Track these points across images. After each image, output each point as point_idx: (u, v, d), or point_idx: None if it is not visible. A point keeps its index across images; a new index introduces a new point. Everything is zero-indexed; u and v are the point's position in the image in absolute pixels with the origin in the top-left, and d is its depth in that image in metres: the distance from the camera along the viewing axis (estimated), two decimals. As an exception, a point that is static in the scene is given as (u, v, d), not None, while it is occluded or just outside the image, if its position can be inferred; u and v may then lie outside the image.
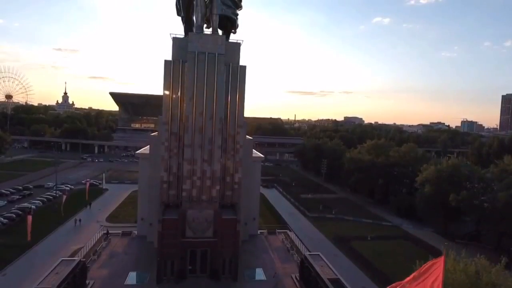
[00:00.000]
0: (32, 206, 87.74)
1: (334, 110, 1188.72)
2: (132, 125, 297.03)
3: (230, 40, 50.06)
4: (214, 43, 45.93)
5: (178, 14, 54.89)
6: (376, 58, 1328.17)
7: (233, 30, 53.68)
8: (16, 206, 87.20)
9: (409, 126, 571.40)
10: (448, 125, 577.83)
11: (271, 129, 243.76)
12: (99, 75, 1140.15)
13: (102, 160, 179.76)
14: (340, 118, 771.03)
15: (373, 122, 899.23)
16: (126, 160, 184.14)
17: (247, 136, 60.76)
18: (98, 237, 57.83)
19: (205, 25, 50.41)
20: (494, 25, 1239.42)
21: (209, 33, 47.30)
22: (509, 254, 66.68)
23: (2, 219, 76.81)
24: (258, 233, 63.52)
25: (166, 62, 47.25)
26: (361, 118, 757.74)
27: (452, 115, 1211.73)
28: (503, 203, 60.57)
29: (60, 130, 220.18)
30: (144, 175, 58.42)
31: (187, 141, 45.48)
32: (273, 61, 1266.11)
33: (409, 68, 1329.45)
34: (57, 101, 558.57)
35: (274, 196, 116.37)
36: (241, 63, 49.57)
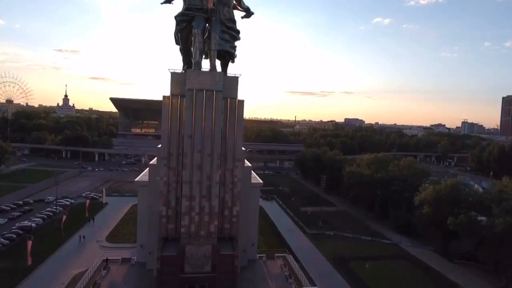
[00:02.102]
0: (33, 224, 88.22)
1: (335, 110, 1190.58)
2: (132, 130, 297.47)
3: (228, 74, 50.42)
4: (212, 80, 46.25)
5: (177, 43, 55.26)
6: (377, 58, 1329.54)
7: (231, 60, 54.06)
8: (16, 224, 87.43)
9: (410, 128, 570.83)
10: (449, 129, 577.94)
11: (271, 135, 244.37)
12: (100, 75, 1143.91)
13: (102, 169, 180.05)
14: (340, 119, 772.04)
15: (373, 123, 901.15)
16: (126, 169, 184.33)
17: (246, 162, 61.26)
18: (98, 265, 58.36)
19: (203, 56, 50.87)
20: (494, 26, 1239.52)
21: (207, 70, 47.62)
22: (507, 277, 67.11)
23: (2, 240, 77.11)
24: (257, 257, 63.96)
25: (164, 97, 47.64)
26: (362, 120, 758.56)
27: (452, 115, 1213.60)
28: (501, 230, 60.87)
29: (61, 137, 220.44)
30: (143, 202, 58.80)
31: (186, 178, 45.85)
32: (274, 61, 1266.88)
33: (409, 68, 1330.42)
34: (58, 103, 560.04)
35: (273, 209, 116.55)
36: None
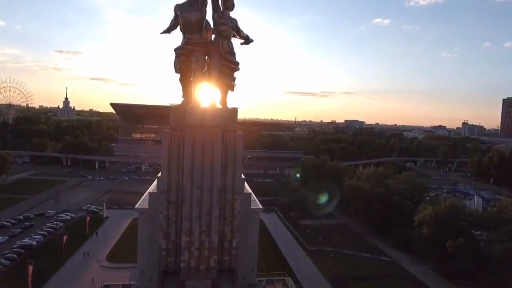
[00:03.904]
0: (33, 242, 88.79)
1: (335, 111, 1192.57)
2: (132, 134, 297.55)
3: (227, 106, 50.56)
4: (211, 116, 46.37)
5: (176, 72, 55.43)
6: (377, 59, 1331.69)
7: (230, 90, 54.23)
8: (17, 242, 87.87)
9: (410, 130, 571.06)
10: (449, 131, 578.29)
11: (272, 142, 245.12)
12: (101, 76, 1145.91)
13: (102, 178, 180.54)
14: (341, 119, 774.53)
15: (374, 124, 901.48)
16: (126, 178, 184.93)
17: (246, 187, 61.44)
18: (98, 292, 58.74)
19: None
20: (494, 26, 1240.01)
21: (206, 105, 47.87)
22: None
23: (3, 260, 77.52)
24: (257, 281, 64.19)
25: (164, 132, 47.88)
26: (363, 121, 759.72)
27: (453, 115, 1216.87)
28: (499, 256, 61.12)
29: (61, 144, 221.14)
30: (144, 229, 59.05)
31: (185, 213, 46.01)
32: (274, 62, 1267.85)
33: (409, 69, 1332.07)
34: (58, 106, 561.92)
35: (273, 223, 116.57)
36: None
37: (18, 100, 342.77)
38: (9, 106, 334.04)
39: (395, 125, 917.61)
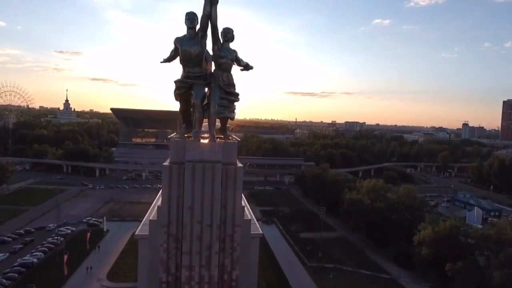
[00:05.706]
0: (34, 260, 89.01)
1: (336, 111, 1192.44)
2: (133, 139, 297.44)
3: (227, 139, 50.75)
4: (212, 151, 46.42)
5: (176, 100, 55.58)
6: (376, 59, 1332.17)
7: (230, 119, 54.38)
8: (18, 260, 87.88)
9: (410, 133, 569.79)
10: (449, 134, 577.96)
11: (272, 148, 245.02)
12: (101, 77, 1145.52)
13: (103, 186, 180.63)
14: (341, 120, 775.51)
15: (374, 124, 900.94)
16: (126, 186, 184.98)
17: (246, 212, 61.59)
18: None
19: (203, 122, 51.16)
20: (494, 26, 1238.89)
21: (205, 141, 48.00)
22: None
23: (4, 280, 77.56)
24: (257, 305, 64.45)
25: (164, 166, 47.98)
26: (363, 123, 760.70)
27: (453, 116, 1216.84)
28: (498, 283, 61.24)
29: (62, 151, 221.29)
30: (144, 257, 59.22)
31: (186, 249, 46.11)
32: (274, 62, 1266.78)
33: (409, 69, 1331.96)
34: (59, 108, 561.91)
35: (273, 236, 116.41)
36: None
37: (18, 103, 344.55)
38: (9, 110, 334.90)
39: (396, 125, 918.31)
